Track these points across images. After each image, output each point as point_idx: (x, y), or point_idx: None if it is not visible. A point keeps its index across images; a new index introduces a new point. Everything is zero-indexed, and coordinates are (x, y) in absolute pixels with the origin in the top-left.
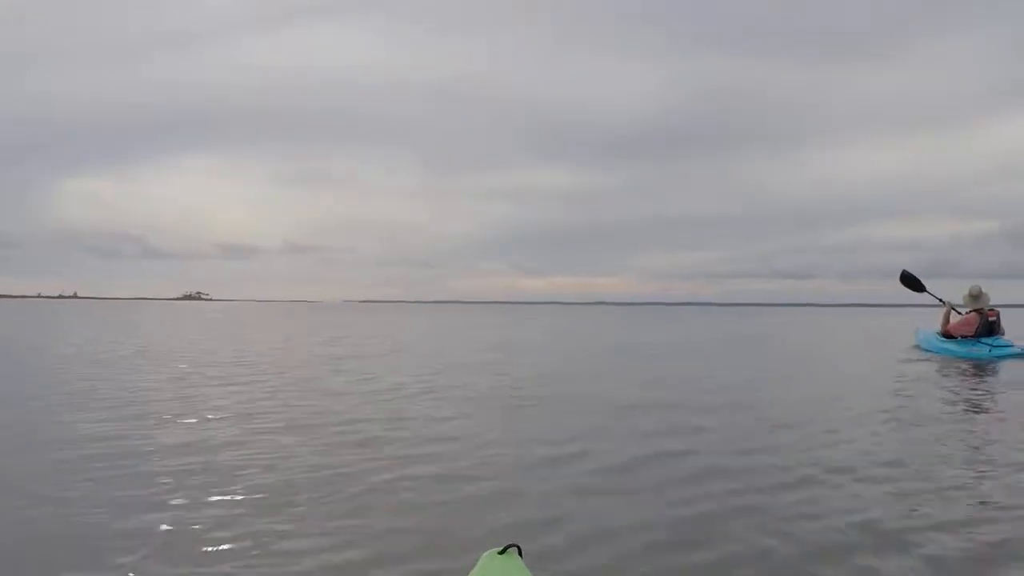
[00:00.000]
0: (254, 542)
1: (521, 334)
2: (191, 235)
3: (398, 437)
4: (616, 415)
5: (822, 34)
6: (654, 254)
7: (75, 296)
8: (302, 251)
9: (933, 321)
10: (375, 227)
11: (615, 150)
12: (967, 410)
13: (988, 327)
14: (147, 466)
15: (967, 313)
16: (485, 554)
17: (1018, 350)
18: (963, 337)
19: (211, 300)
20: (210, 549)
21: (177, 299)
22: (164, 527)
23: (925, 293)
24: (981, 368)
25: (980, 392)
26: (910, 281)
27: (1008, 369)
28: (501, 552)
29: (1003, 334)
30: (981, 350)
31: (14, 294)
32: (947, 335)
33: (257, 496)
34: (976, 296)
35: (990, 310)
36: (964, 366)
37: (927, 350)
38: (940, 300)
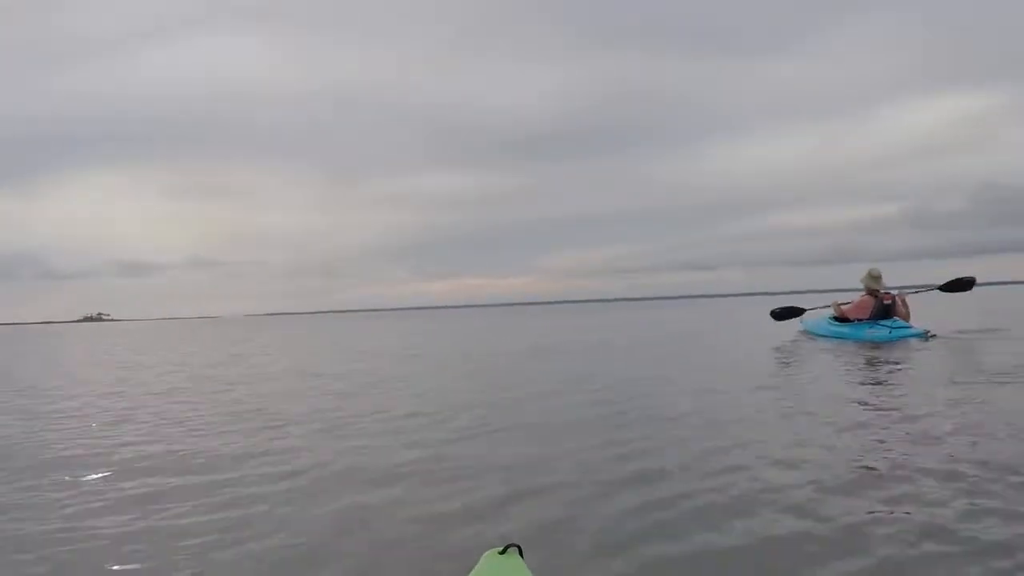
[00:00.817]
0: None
1: (398, 341)
2: (91, 253)
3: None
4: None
5: (719, 29)
6: (559, 253)
7: None
8: (207, 266)
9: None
10: (279, 239)
11: (515, 152)
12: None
13: (884, 310)
14: None
15: (862, 296)
16: (485, 554)
17: (918, 331)
18: (858, 320)
19: (113, 320)
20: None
21: (78, 321)
22: None
23: (808, 309)
24: (877, 346)
25: (879, 369)
26: (783, 313)
27: (903, 346)
28: (501, 552)
29: (906, 317)
30: (880, 331)
31: None
32: (841, 319)
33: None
34: (877, 277)
35: (885, 293)
36: (855, 347)
37: (817, 335)
38: (826, 306)
